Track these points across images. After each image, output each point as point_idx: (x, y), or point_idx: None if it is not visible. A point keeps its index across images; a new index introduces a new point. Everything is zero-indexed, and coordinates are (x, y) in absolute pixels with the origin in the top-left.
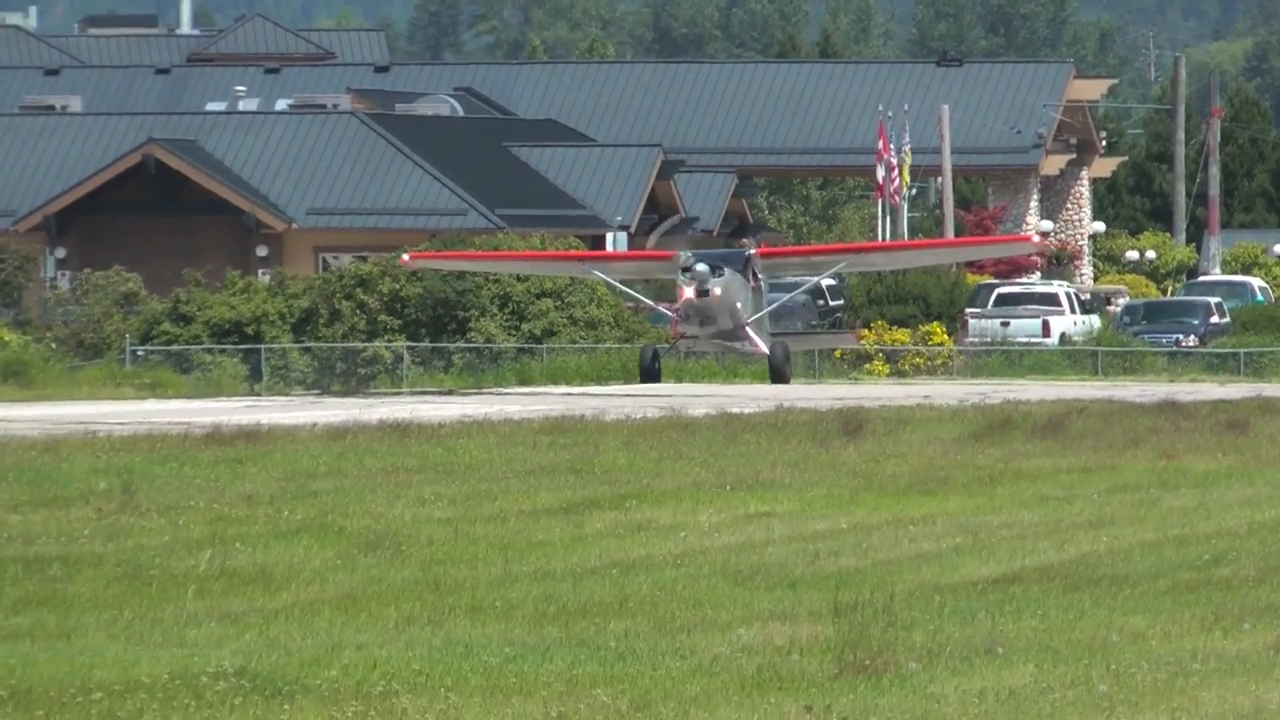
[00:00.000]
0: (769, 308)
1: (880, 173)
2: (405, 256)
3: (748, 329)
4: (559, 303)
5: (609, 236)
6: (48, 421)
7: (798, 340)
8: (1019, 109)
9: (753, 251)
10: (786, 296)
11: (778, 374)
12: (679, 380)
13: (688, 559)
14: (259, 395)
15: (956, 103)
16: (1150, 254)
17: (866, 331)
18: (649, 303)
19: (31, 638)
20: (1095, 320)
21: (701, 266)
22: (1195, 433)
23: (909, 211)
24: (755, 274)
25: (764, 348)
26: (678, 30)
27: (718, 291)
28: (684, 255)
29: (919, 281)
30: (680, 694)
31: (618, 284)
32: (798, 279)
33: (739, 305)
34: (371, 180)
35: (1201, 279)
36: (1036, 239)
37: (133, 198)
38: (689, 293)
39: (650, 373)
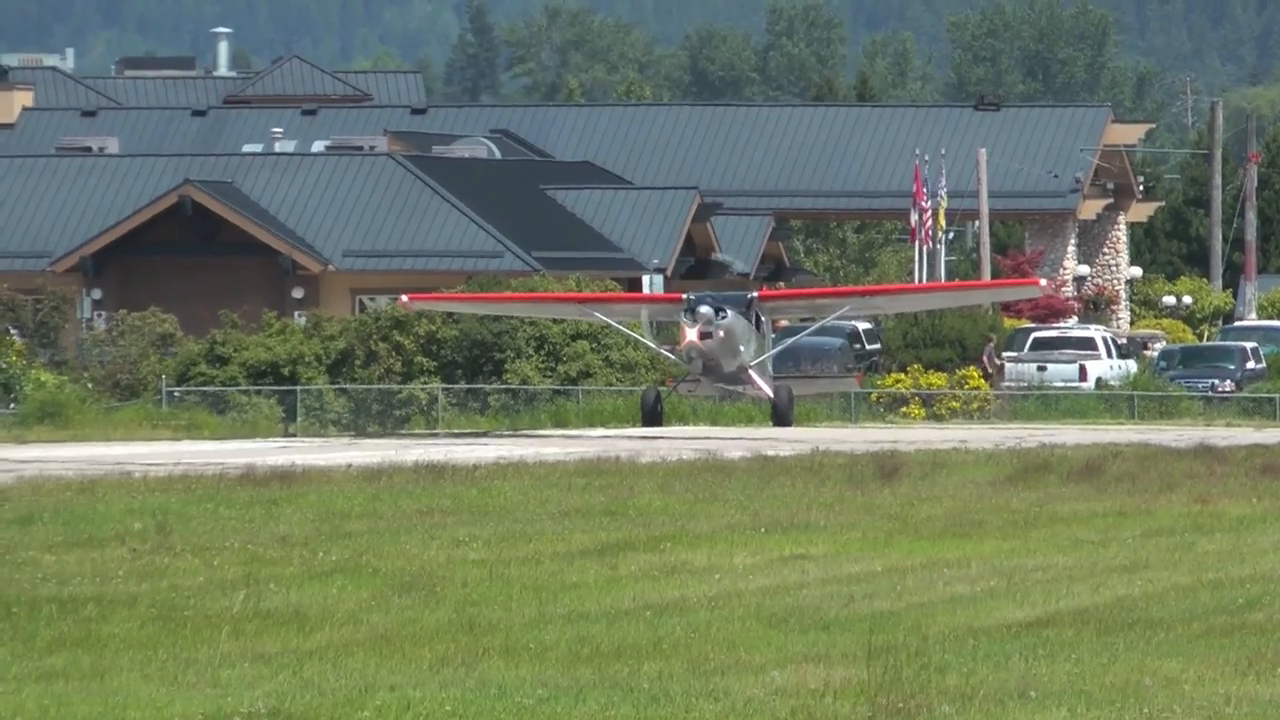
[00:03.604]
0: (774, 350)
1: (914, 217)
2: (403, 298)
3: (751, 372)
4: (595, 345)
5: (645, 279)
6: (83, 462)
7: (800, 384)
8: (1056, 153)
9: (755, 294)
10: (791, 339)
11: (781, 417)
12: (714, 423)
13: (722, 601)
14: (294, 436)
15: (994, 147)
16: (1187, 299)
17: (902, 375)
18: (652, 345)
19: (66, 678)
20: (1132, 365)
21: (705, 308)
22: (1230, 477)
23: (946, 255)
24: (759, 316)
25: (768, 391)
26: (715, 73)
27: (721, 333)
28: (686, 297)
29: (955, 325)
30: None
31: (617, 325)
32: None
33: (742, 348)
34: (408, 222)
35: (1238, 324)
36: (1043, 283)
37: (169, 239)
38: (692, 335)
39: (652, 415)
